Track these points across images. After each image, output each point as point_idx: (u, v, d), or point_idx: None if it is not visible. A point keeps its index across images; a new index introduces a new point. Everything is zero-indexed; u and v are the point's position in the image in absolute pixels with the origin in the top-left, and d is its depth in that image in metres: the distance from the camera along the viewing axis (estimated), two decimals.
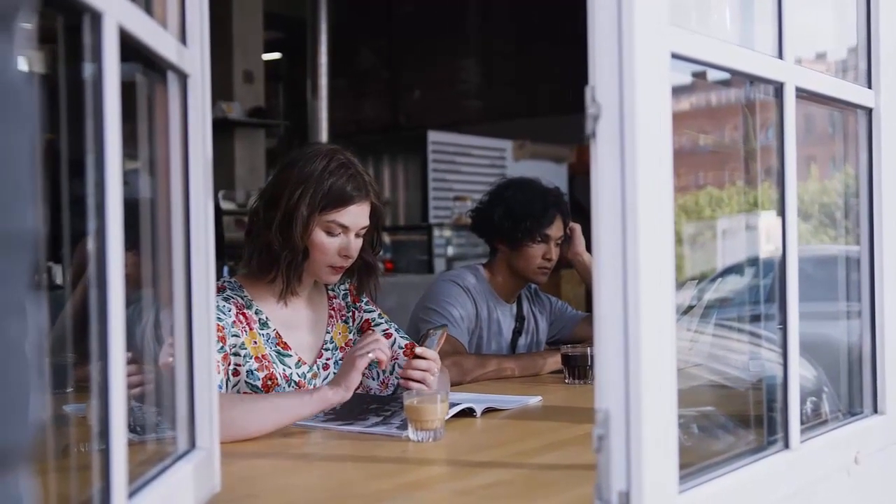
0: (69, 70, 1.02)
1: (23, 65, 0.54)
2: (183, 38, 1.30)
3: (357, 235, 2.11)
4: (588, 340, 2.80)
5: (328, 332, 2.23)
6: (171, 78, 1.28)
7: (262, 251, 2.10)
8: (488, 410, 2.08)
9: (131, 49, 1.06)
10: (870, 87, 1.73)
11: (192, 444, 1.32)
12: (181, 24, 1.30)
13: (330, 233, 2.08)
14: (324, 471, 1.64)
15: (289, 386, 2.09)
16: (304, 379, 2.14)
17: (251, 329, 2.08)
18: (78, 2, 0.90)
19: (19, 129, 0.50)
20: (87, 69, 0.97)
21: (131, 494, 1.03)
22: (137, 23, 1.07)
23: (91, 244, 0.97)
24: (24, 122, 0.51)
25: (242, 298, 2.11)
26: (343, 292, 2.30)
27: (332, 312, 2.26)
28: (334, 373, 2.17)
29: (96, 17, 0.95)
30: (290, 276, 2.09)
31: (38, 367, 0.55)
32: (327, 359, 2.21)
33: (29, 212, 0.52)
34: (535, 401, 2.26)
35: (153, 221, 1.31)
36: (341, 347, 2.24)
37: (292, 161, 2.11)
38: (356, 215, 2.09)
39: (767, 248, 1.79)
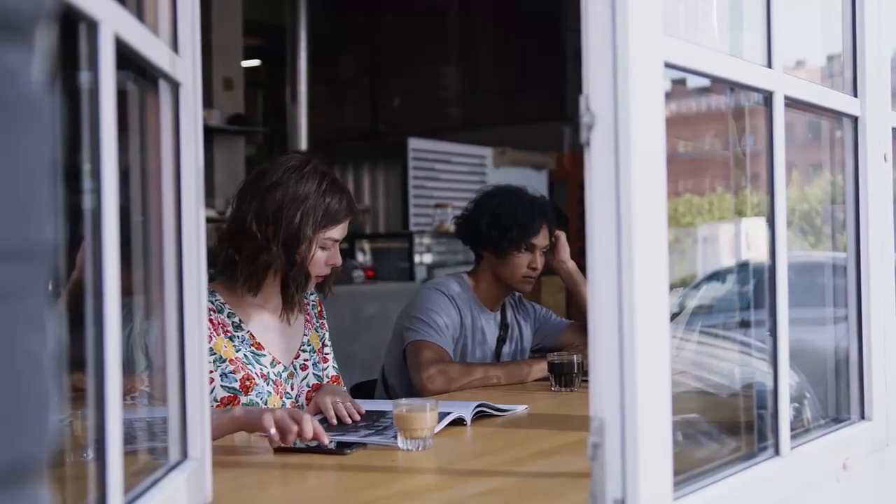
0: (62, 78, 1.01)
1: (41, 76, 0.53)
2: (175, 47, 1.29)
3: (340, 245, 2.24)
4: (572, 347, 2.80)
5: (305, 335, 2.31)
6: (163, 86, 1.27)
7: (260, 269, 2.14)
8: (479, 415, 2.08)
9: (124, 57, 1.05)
10: (855, 95, 1.75)
11: (185, 455, 1.31)
12: (173, 33, 1.29)
13: (324, 248, 2.19)
14: (315, 481, 1.64)
15: (267, 384, 2.15)
16: (281, 378, 2.20)
17: (224, 332, 2.14)
18: (75, 10, 0.90)
19: (40, 141, 0.50)
20: (83, 77, 0.96)
21: None
22: (132, 31, 1.06)
23: (86, 252, 0.96)
24: (44, 134, 0.50)
25: (213, 303, 2.16)
26: (312, 303, 2.38)
27: (308, 317, 2.35)
28: (313, 373, 2.28)
29: (93, 26, 0.94)
30: (299, 292, 2.19)
31: (56, 378, 0.54)
32: (305, 359, 2.29)
33: (48, 223, 0.52)
34: (521, 409, 2.26)
35: (144, 229, 1.30)
36: (317, 350, 2.33)
37: (280, 181, 2.14)
38: (345, 228, 2.23)
39: (749, 255, 1.80)
